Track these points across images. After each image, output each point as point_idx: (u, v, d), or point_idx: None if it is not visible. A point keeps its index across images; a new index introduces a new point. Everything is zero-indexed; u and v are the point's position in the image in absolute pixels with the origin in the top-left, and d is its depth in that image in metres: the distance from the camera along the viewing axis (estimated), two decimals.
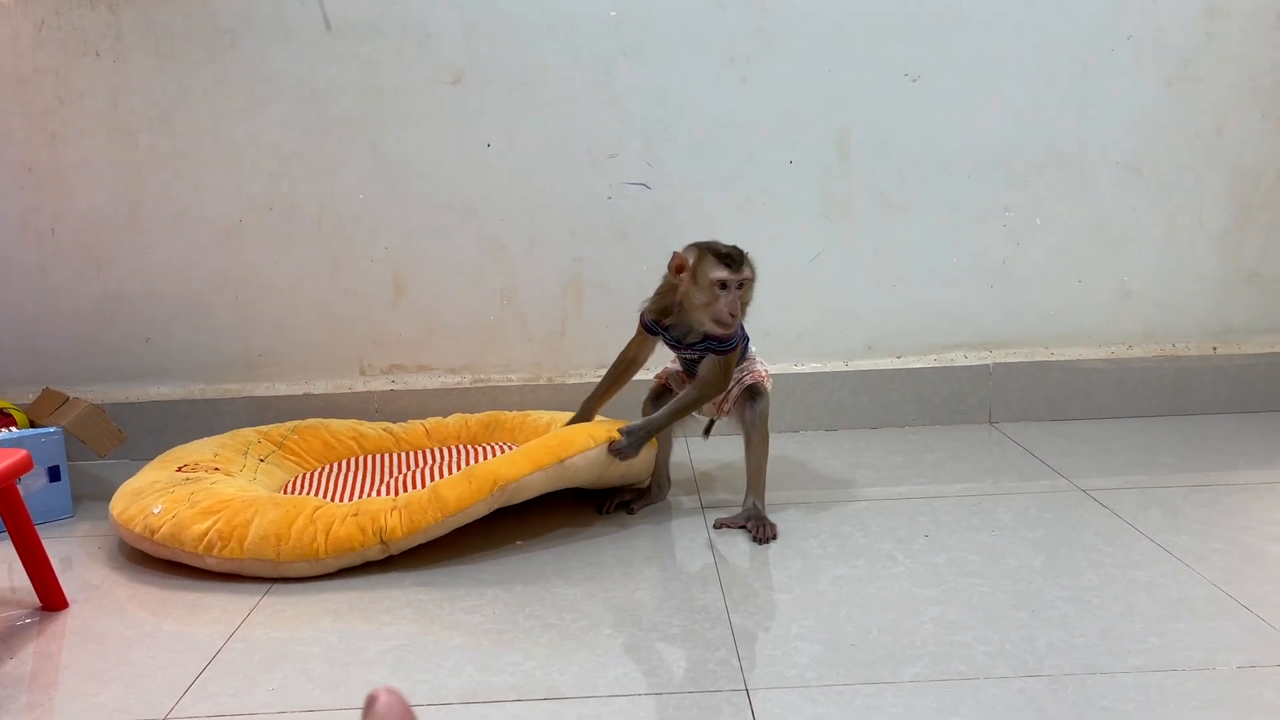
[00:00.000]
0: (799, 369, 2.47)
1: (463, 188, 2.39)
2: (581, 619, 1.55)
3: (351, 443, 2.28)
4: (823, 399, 2.46)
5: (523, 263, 2.42)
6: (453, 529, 1.78)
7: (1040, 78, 2.37)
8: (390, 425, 2.34)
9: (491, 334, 2.45)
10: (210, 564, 1.72)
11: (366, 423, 2.33)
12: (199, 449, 2.10)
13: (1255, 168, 2.41)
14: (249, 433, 2.23)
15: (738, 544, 1.82)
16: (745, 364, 1.94)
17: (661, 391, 2.03)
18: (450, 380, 2.46)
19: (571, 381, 2.44)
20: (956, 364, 2.47)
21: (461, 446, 2.28)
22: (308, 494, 2.01)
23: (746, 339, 1.93)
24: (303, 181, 2.38)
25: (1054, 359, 2.47)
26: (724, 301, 1.76)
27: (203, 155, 2.37)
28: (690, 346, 1.87)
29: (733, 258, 1.78)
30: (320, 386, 2.46)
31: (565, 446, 1.83)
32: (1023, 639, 1.44)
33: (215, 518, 1.74)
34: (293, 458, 2.20)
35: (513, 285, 2.43)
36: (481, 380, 2.46)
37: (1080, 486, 2.01)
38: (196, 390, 2.45)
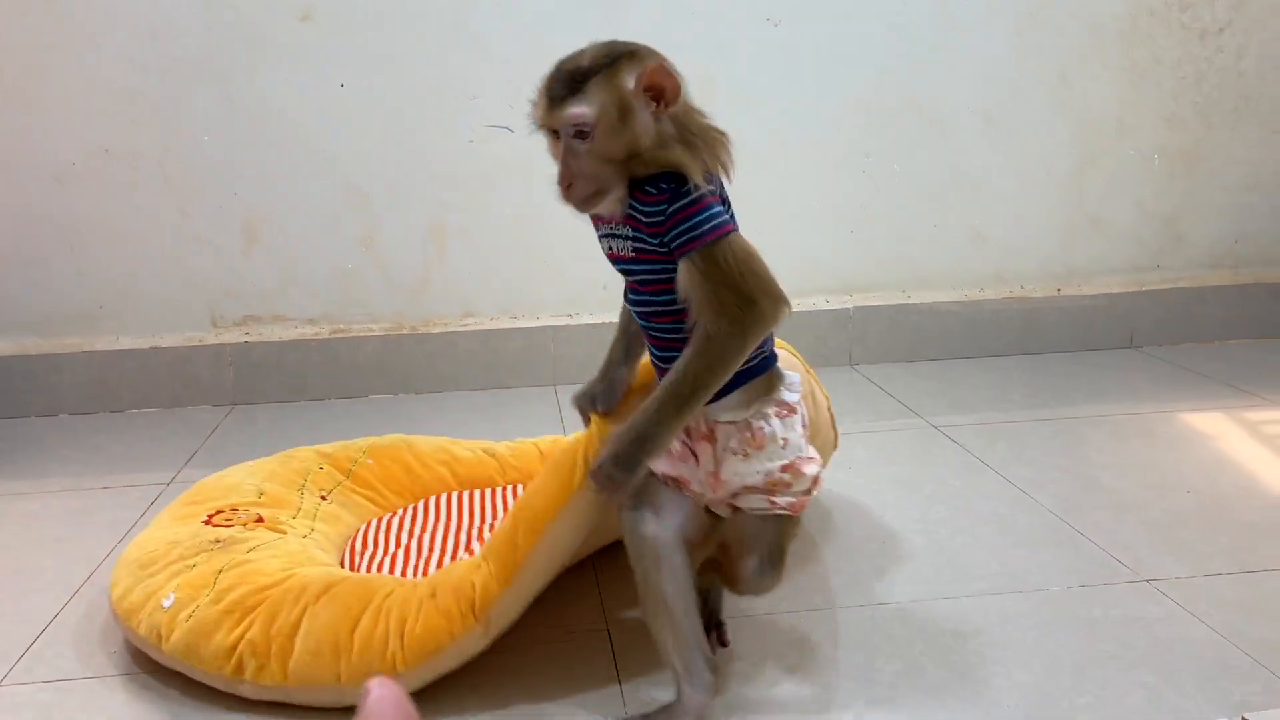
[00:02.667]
0: None
1: (317, 131, 2.29)
2: None
3: (442, 469, 1.73)
4: None
5: (382, 209, 2.35)
6: (576, 541, 1.22)
7: (900, 23, 2.41)
8: (493, 446, 1.79)
9: (351, 283, 2.38)
10: (245, 692, 1.19)
11: (461, 442, 1.79)
12: (240, 483, 1.55)
13: (1098, 117, 2.52)
14: (306, 454, 1.68)
15: None
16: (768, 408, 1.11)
17: (641, 488, 1.14)
18: (308, 331, 2.38)
19: (436, 331, 2.39)
20: (818, 308, 2.52)
21: None
22: (381, 555, 1.49)
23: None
24: (143, 123, 2.24)
25: (911, 302, 2.54)
26: (558, 166, 1.05)
27: (30, 95, 2.20)
28: (611, 225, 1.10)
29: (557, 82, 1.04)
30: (169, 339, 2.34)
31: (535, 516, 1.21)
32: (874, 569, 1.49)
33: (249, 620, 1.21)
34: (365, 492, 1.66)
35: (372, 232, 2.36)
36: (341, 331, 2.38)
37: (934, 424, 2.09)
38: (32, 345, 2.31)
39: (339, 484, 1.64)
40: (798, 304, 2.51)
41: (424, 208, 2.36)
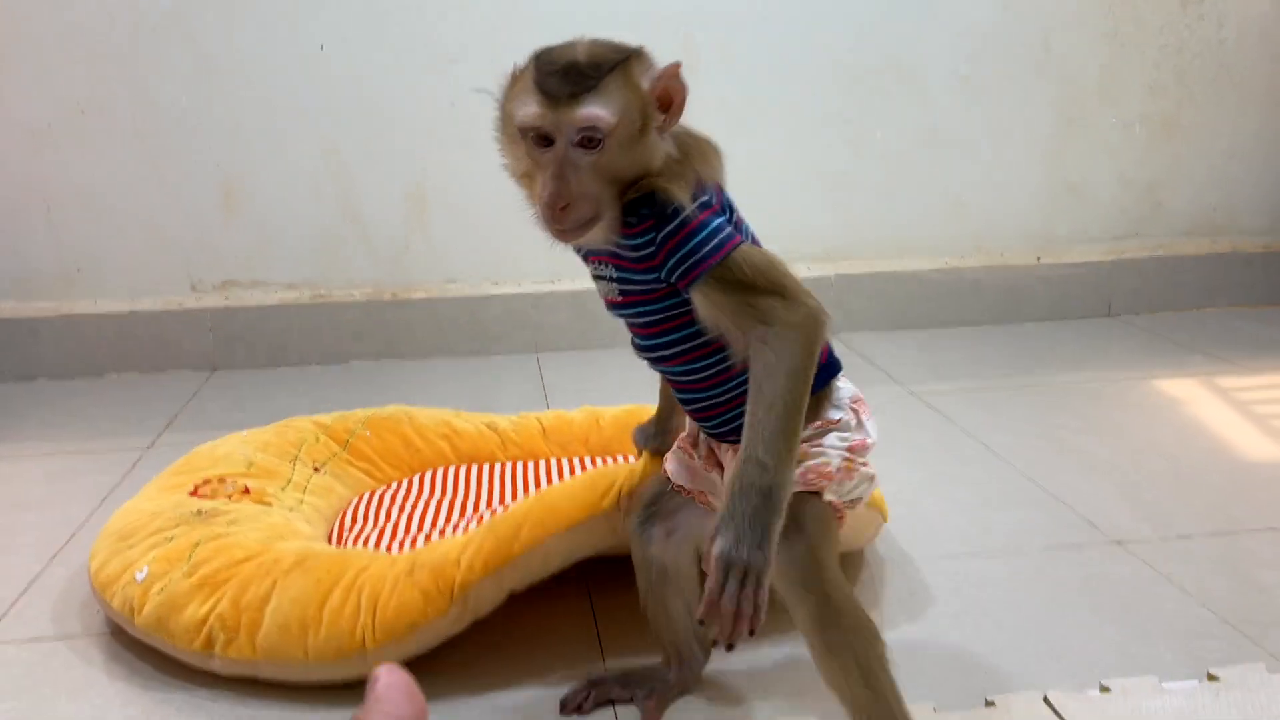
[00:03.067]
0: None
1: (296, 93, 2.27)
2: None
3: (442, 444, 1.68)
4: None
5: (362, 173, 2.33)
6: (573, 556, 1.21)
7: None
8: (495, 420, 1.74)
9: (331, 248, 2.37)
10: (215, 667, 1.16)
11: (463, 415, 1.74)
12: (231, 453, 1.50)
13: (1078, 81, 2.52)
14: (303, 424, 1.63)
15: None
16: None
17: (657, 501, 1.08)
18: (289, 296, 2.37)
19: (418, 297, 2.38)
20: (800, 275, 2.51)
21: (593, 459, 1.67)
22: (370, 529, 1.44)
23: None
24: (118, 83, 2.21)
25: (891, 269, 2.55)
26: (543, 181, 0.87)
27: (4, 53, 2.17)
28: (595, 264, 0.98)
29: (564, 75, 0.85)
30: (148, 304, 2.33)
31: None
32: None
33: (220, 594, 1.18)
34: (361, 464, 1.61)
35: (353, 196, 2.34)
36: (322, 296, 2.37)
37: (913, 391, 2.10)
38: (7, 309, 2.29)
39: (334, 455, 1.60)
40: None
41: (404, 172, 2.34)
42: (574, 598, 1.33)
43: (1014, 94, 2.50)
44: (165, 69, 2.22)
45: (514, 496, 1.55)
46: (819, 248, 2.53)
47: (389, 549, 1.38)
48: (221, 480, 1.43)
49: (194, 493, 1.40)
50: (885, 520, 1.38)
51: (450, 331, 2.40)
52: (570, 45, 0.88)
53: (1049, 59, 2.49)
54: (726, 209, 0.94)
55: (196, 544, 1.25)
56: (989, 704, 1.11)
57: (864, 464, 0.98)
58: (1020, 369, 2.25)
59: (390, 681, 0.52)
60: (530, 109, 0.86)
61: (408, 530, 1.44)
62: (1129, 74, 2.53)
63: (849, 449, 0.97)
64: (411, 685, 0.67)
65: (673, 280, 0.89)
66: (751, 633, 0.82)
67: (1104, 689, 1.12)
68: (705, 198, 0.91)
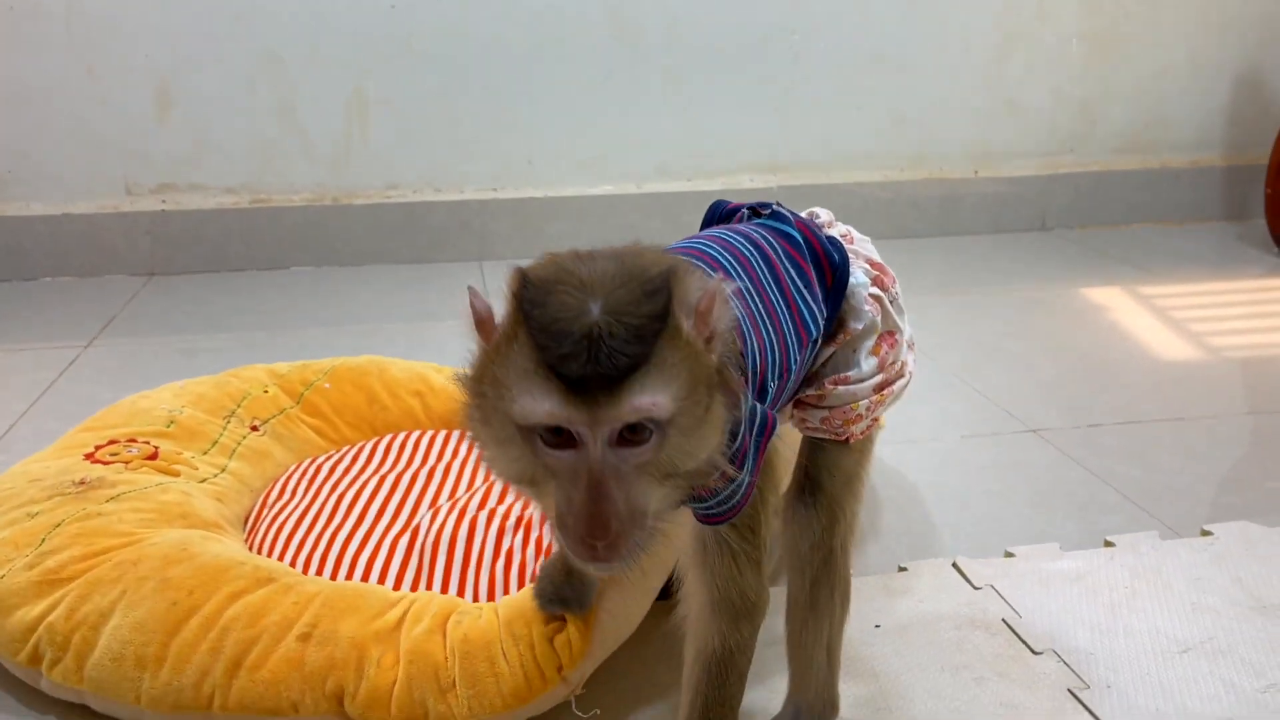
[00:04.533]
0: (592, 191, 2.48)
1: None
2: None
3: (413, 401, 1.42)
4: (616, 221, 2.50)
5: (301, 76, 2.30)
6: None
7: None
8: None
9: (270, 152, 2.34)
10: (44, 687, 0.95)
11: (445, 369, 1.47)
12: (154, 406, 1.28)
13: (1019, 0, 2.55)
14: (254, 374, 1.39)
15: None
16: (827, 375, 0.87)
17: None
18: (227, 200, 2.34)
19: (359, 203, 2.37)
20: (743, 186, 2.54)
21: None
22: (294, 508, 1.20)
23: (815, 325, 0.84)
24: None
25: (833, 182, 2.58)
26: (568, 497, 0.63)
27: None
28: None
29: (591, 353, 0.60)
30: (82, 207, 2.29)
31: None
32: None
33: (57, 596, 0.96)
34: (312, 421, 1.36)
35: (291, 100, 2.31)
36: (261, 200, 2.35)
37: None
38: None
39: (282, 411, 1.34)
40: (724, 182, 2.55)
41: (344, 75, 2.31)
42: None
43: (955, 10, 2.52)
44: None
45: (488, 473, 1.16)
46: (762, 159, 2.55)
47: (303, 542, 1.13)
48: (131, 441, 1.20)
49: (89, 455, 1.17)
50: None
51: (393, 238, 2.39)
52: (572, 285, 0.62)
53: None
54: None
55: (58, 524, 1.02)
56: (901, 569, 1.17)
57: (897, 369, 0.89)
58: (954, 280, 2.30)
59: None
60: (545, 405, 0.60)
61: (346, 513, 1.18)
62: None
63: (879, 385, 0.87)
64: None
65: (696, 515, 0.74)
66: None
67: (1008, 554, 1.19)
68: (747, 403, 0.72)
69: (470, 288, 0.69)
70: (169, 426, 1.24)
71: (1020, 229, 2.68)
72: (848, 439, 0.87)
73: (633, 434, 0.61)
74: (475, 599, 1.05)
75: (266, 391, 1.36)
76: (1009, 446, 1.48)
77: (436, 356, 1.64)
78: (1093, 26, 2.60)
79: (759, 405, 0.74)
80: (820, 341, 0.86)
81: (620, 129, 2.45)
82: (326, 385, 1.39)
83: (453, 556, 1.11)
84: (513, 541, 1.12)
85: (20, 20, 2.17)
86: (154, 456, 1.18)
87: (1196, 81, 2.68)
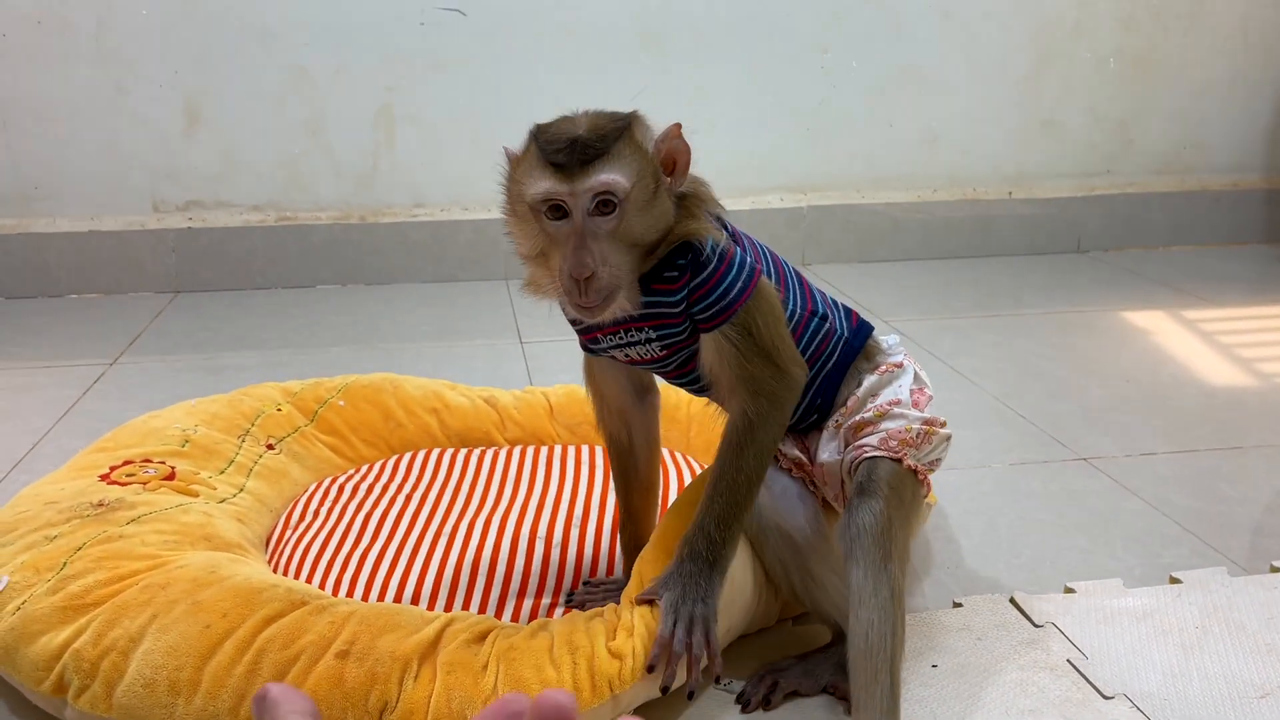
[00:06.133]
0: None
1: (260, 7, 2.20)
2: None
3: (429, 418, 1.40)
4: None
5: (329, 92, 2.28)
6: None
7: None
8: (495, 394, 1.47)
9: (297, 169, 2.32)
10: (69, 717, 0.91)
11: (459, 387, 1.47)
12: (167, 425, 1.25)
13: (1055, 17, 2.51)
14: (267, 392, 1.37)
15: None
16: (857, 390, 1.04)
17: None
18: (253, 218, 2.32)
19: (385, 221, 2.35)
20: (773, 206, 2.51)
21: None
22: (318, 530, 1.18)
23: (815, 312, 1.03)
24: None
25: (865, 202, 2.54)
26: (563, 254, 0.87)
27: None
28: (623, 332, 0.94)
29: (572, 147, 0.87)
30: (109, 224, 2.27)
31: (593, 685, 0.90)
32: None
33: (84, 622, 0.93)
34: (328, 439, 1.35)
35: (318, 116, 2.29)
36: (288, 218, 2.33)
37: (885, 319, 2.11)
38: None
39: (297, 429, 1.32)
40: (752, 202, 2.51)
41: (372, 92, 2.29)
42: None
43: (991, 28, 2.49)
44: None
45: (513, 493, 1.25)
46: (792, 179, 2.52)
47: (330, 564, 1.12)
48: (146, 461, 1.17)
49: (105, 476, 1.14)
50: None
51: (419, 256, 2.37)
52: (568, 119, 0.90)
53: None
54: (731, 232, 0.97)
55: (79, 548, 0.99)
56: (956, 605, 1.12)
57: (942, 424, 1.02)
58: (989, 300, 2.26)
59: (282, 688, 0.40)
60: (543, 183, 0.87)
61: (373, 536, 1.17)
62: (1104, 9, 2.52)
63: (925, 421, 1.00)
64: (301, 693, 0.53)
65: (697, 321, 0.92)
66: (717, 681, 0.92)
67: (1068, 590, 1.14)
68: (729, 229, 0.96)
69: (505, 147, 0.95)
70: (184, 446, 1.21)
71: (1055, 250, 2.63)
72: (901, 458, 0.97)
73: (604, 208, 0.86)
74: (515, 620, 1.04)
75: (280, 409, 1.34)
76: (1059, 474, 1.43)
77: (462, 376, 1.61)
78: (1130, 45, 2.56)
79: (749, 259, 0.94)
80: (845, 337, 1.03)
81: None
82: (341, 403, 1.38)
83: (492, 580, 1.10)
84: (545, 565, 1.12)
85: (49, 36, 2.16)
86: (171, 477, 1.16)
87: (1236, 101, 2.64)
